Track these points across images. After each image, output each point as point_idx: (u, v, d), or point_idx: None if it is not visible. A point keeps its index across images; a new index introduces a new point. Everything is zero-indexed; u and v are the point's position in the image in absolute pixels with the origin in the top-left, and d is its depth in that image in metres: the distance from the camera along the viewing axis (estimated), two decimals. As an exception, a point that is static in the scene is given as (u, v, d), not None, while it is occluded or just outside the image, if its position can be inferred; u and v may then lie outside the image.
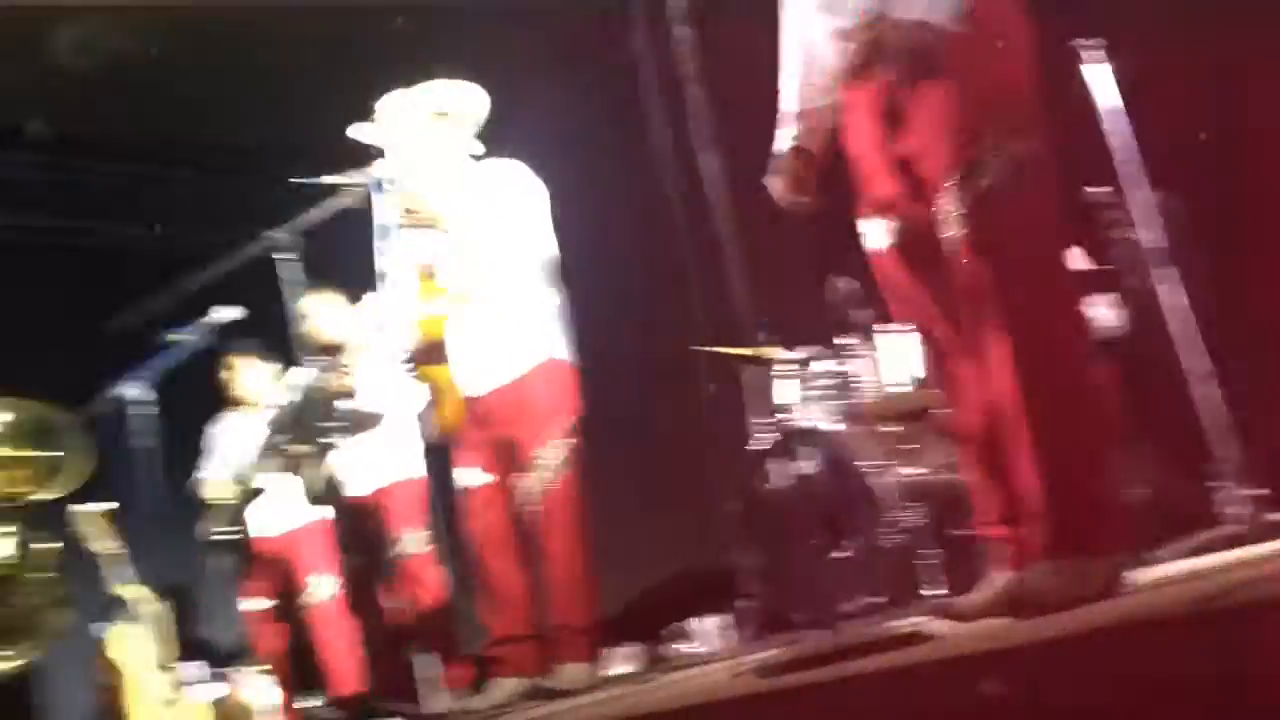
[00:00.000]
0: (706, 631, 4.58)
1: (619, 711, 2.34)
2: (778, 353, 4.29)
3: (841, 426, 4.03)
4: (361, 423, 4.66)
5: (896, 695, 1.59)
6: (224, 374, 5.27)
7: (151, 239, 7.05)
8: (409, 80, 3.50)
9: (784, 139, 2.41)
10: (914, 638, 1.99)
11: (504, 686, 3.40)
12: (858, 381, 4.03)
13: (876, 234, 2.33)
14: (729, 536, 4.11)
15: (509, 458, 3.47)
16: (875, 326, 4.03)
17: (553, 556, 3.40)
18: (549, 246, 3.59)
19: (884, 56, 2.20)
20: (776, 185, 2.39)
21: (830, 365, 4.10)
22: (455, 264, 3.47)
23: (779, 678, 1.91)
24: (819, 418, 4.06)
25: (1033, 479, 2.06)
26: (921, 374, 3.91)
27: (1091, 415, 2.09)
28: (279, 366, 5.21)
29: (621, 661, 4.80)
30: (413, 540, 4.67)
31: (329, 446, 4.12)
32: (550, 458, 3.37)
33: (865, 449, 3.89)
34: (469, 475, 3.53)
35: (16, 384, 4.88)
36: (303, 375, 3.79)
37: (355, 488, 4.78)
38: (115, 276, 6.55)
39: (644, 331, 4.15)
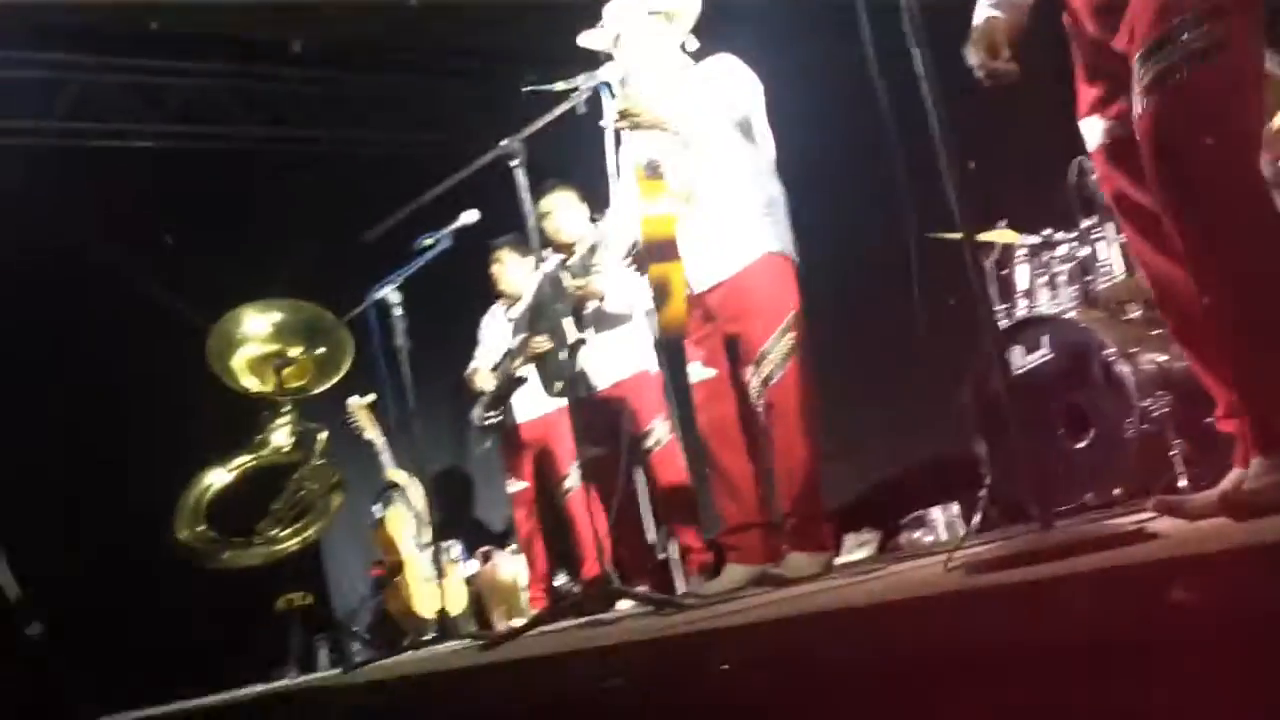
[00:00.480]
0: (943, 521, 4.56)
1: (838, 602, 2.38)
2: (1014, 236, 4.16)
3: (1082, 311, 3.88)
4: (605, 320, 4.82)
5: (1107, 596, 1.57)
6: (492, 267, 5.53)
7: (400, 145, 7.42)
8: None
9: (980, 9, 2.32)
10: (1135, 535, 1.94)
11: (735, 573, 3.52)
12: (1101, 265, 3.85)
13: (1093, 132, 2.24)
14: (965, 426, 4.05)
15: (735, 351, 3.54)
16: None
17: (781, 447, 3.47)
18: (767, 141, 3.58)
19: None
20: (972, 54, 2.30)
21: (1071, 248, 3.94)
22: (678, 162, 3.52)
23: (990, 574, 1.91)
24: (1059, 303, 3.92)
25: (1234, 372, 2.00)
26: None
27: None
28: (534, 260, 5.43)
29: (856, 549, 4.85)
30: (661, 429, 4.83)
31: (573, 341, 4.27)
32: (774, 350, 3.42)
33: (1108, 335, 3.74)
34: (697, 369, 3.62)
35: (284, 286, 5.32)
36: (546, 271, 3.94)
37: (598, 380, 4.96)
38: (371, 184, 6.95)
39: (865, 223, 4.08)
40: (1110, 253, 3.82)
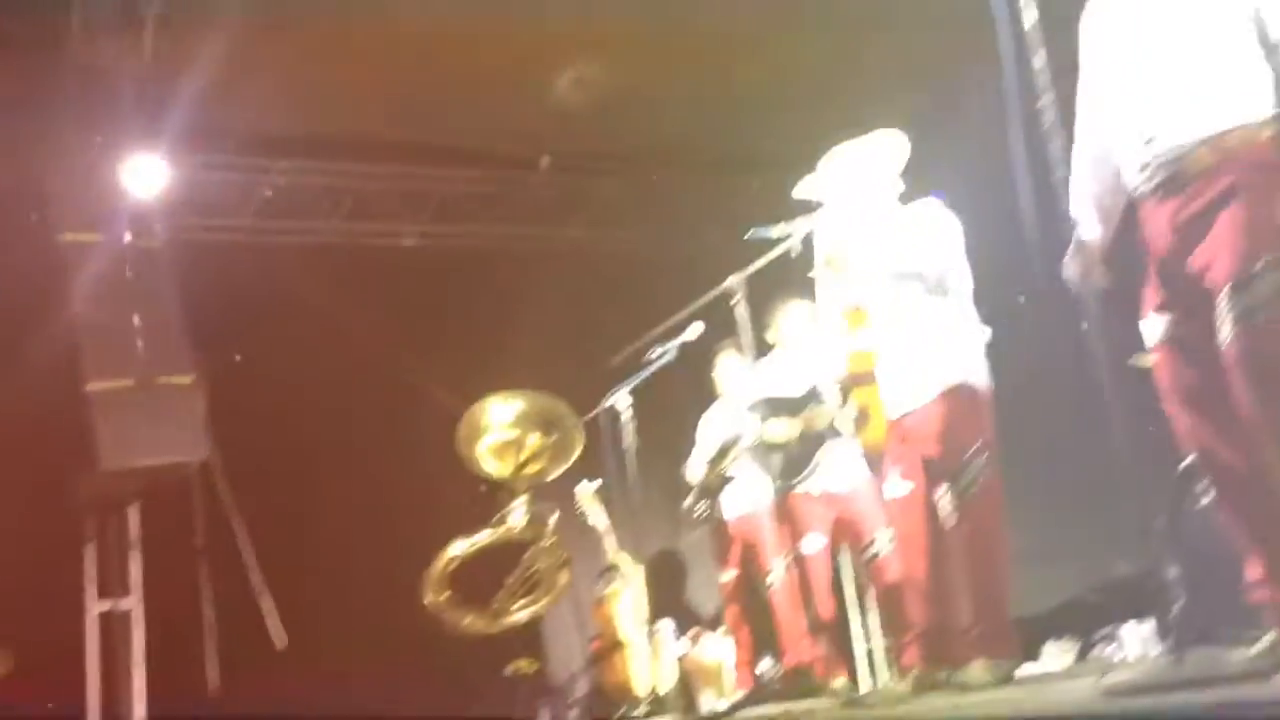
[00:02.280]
0: (1137, 637, 4.68)
1: (1015, 711, 2.67)
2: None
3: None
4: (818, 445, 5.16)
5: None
6: (715, 370, 6.00)
7: (631, 245, 8.07)
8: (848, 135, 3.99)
9: (1079, 232, 2.76)
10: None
11: (920, 677, 3.82)
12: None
13: (1154, 331, 2.64)
14: (1157, 548, 4.21)
15: (929, 470, 3.87)
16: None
17: (970, 561, 3.76)
18: (965, 279, 3.92)
19: (1180, 181, 2.52)
20: (1070, 270, 2.68)
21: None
22: (881, 299, 3.91)
23: (1129, 698, 2.20)
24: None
25: None
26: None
27: None
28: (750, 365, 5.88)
29: (1055, 656, 5.01)
30: (884, 539, 5.14)
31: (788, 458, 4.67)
32: (965, 473, 3.73)
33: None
34: (895, 485, 3.97)
35: (528, 379, 5.92)
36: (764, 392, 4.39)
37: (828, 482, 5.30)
38: (606, 281, 7.62)
39: (1057, 351, 4.34)
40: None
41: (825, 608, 5.18)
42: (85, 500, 6.15)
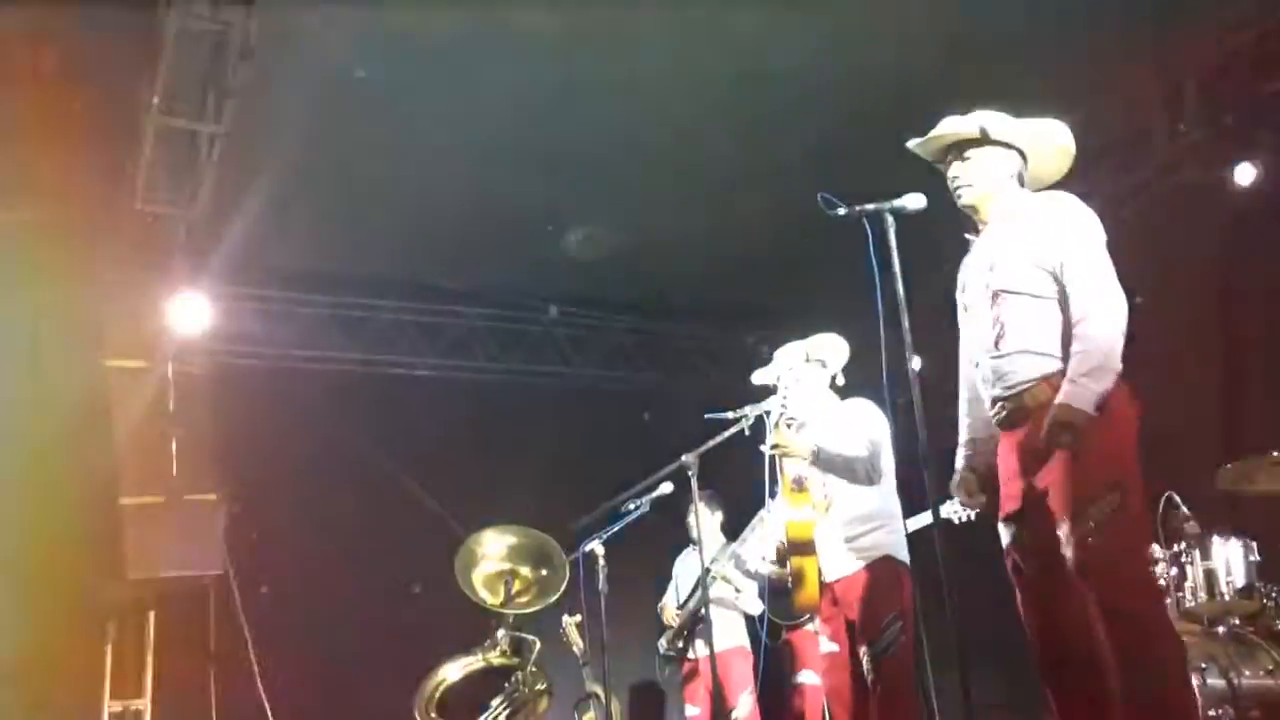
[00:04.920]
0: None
1: None
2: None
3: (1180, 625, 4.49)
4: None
5: None
6: (689, 517, 6.52)
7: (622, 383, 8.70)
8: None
9: (960, 459, 3.36)
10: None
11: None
12: (1189, 583, 4.49)
13: (1006, 533, 3.25)
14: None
15: (853, 632, 4.37)
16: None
17: (886, 711, 4.24)
18: (890, 467, 4.47)
19: (1026, 417, 3.13)
20: (958, 493, 3.25)
21: (1164, 567, 4.59)
22: (817, 481, 4.46)
23: None
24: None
25: None
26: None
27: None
28: (720, 517, 6.44)
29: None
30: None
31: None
32: (883, 636, 4.23)
33: (1193, 651, 4.34)
34: (824, 643, 4.48)
35: (518, 515, 6.43)
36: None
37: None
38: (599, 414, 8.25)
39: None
40: (1196, 575, 4.47)
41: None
42: (109, 605, 6.69)
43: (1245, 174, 6.07)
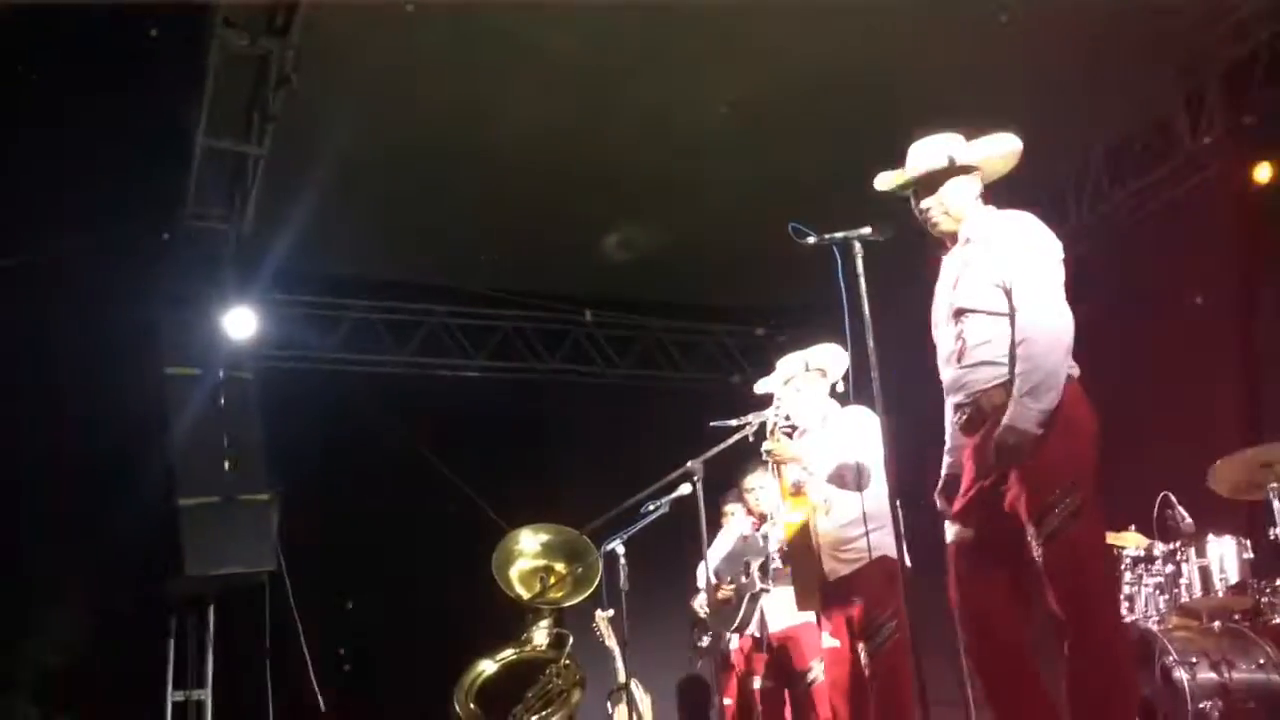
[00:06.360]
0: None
1: None
2: (1141, 540, 4.96)
3: (1177, 620, 4.64)
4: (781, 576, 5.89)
5: None
6: (724, 518, 6.72)
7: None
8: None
9: (944, 467, 3.60)
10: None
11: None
12: (1184, 580, 4.63)
13: (951, 533, 3.48)
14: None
15: (851, 628, 4.57)
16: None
17: (881, 706, 4.44)
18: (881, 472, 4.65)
19: (984, 420, 3.36)
20: (939, 499, 3.44)
21: (1159, 566, 4.72)
22: (815, 484, 4.67)
23: None
24: (1146, 610, 4.70)
25: None
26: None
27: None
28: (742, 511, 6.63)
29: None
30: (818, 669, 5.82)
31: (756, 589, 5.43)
32: (879, 633, 4.43)
33: (1187, 644, 4.48)
34: (826, 639, 4.68)
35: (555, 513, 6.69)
36: (743, 532, 5.13)
37: (773, 624, 6.03)
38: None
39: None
40: (1191, 572, 4.61)
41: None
42: (171, 599, 7.09)
43: (1265, 173, 6.12)
